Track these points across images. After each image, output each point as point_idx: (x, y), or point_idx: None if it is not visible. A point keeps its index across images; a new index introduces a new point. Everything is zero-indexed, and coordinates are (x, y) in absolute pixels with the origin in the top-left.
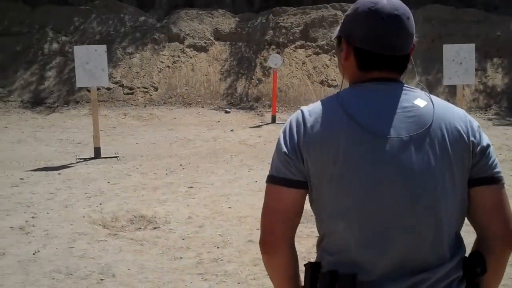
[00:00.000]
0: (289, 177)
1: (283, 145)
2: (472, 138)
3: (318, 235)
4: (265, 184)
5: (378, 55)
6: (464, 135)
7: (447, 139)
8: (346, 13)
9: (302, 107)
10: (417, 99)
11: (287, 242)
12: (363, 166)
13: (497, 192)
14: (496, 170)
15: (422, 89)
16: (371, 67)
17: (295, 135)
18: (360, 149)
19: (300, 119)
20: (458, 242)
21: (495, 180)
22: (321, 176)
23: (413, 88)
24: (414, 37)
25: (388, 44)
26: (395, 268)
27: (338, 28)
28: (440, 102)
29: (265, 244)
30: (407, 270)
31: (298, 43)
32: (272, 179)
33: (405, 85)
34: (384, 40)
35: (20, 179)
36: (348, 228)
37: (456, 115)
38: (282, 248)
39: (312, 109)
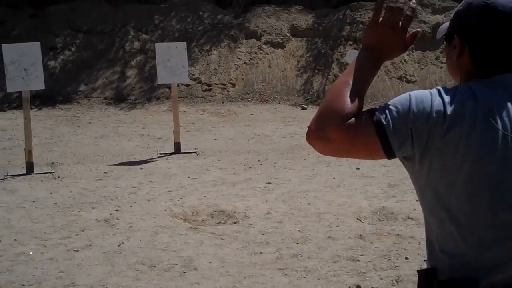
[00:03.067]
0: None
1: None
2: None
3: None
4: (343, 181)
5: (497, 50)
6: None
7: None
8: (456, 9)
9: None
10: None
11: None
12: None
13: None
14: None
15: None
16: (489, 63)
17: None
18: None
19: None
20: None
21: None
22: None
23: None
24: None
25: (508, 38)
26: None
27: (445, 26)
28: None
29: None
30: None
31: None
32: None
33: None
34: (504, 33)
35: (104, 173)
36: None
37: None
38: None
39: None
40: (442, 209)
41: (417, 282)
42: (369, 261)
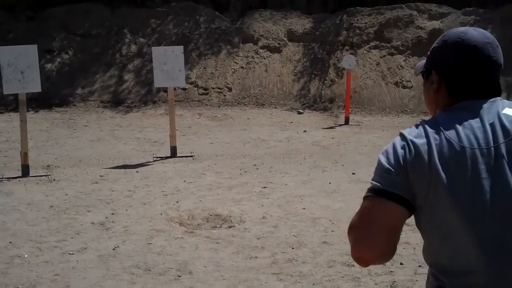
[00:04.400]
0: (389, 190)
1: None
2: None
3: (418, 243)
4: (339, 186)
5: (472, 83)
6: None
7: None
8: (432, 46)
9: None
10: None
11: (387, 255)
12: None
13: None
14: None
15: None
16: (464, 94)
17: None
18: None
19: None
20: None
21: None
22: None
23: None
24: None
25: (482, 71)
26: None
27: (422, 63)
28: None
29: (365, 259)
30: None
31: (372, 43)
32: (374, 191)
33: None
34: (477, 67)
35: (100, 176)
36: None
37: None
38: (381, 260)
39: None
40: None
41: None
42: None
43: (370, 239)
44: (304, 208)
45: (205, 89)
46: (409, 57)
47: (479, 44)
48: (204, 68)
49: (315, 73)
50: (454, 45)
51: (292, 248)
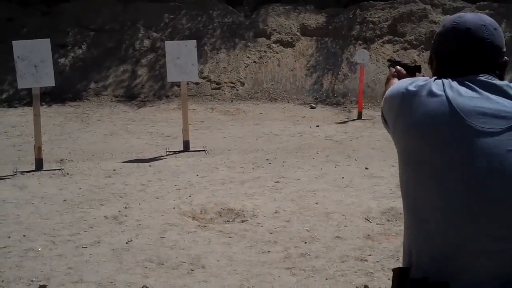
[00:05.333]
0: None
1: None
2: None
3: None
4: (352, 181)
5: (468, 66)
6: None
7: None
8: (436, 33)
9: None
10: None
11: None
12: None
13: None
14: None
15: None
16: (460, 72)
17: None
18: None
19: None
20: None
21: None
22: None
23: (508, 83)
24: (504, 50)
25: (474, 52)
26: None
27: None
28: None
29: None
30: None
31: (385, 38)
32: None
33: (505, 81)
34: (470, 48)
35: (113, 170)
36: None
37: None
38: None
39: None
40: (416, 209)
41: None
42: (377, 261)
43: None
44: (316, 203)
45: (218, 83)
46: (422, 52)
47: (473, 26)
48: (217, 62)
49: (328, 68)
50: (449, 29)
51: (305, 243)
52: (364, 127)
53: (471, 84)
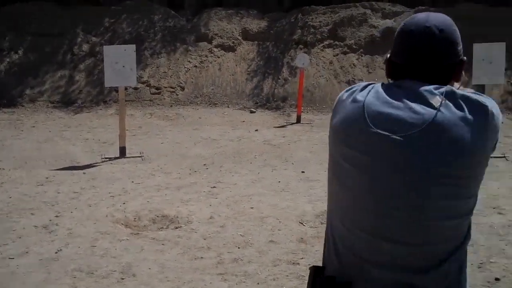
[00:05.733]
0: None
1: None
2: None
3: None
4: (288, 185)
5: (407, 66)
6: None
7: (444, 140)
8: None
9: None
10: (432, 101)
11: None
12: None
13: None
14: None
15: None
16: (401, 76)
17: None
18: (361, 143)
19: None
20: None
21: None
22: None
23: (438, 89)
24: (459, 50)
25: (413, 54)
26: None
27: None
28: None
29: None
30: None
31: (326, 42)
32: None
33: (433, 86)
34: (409, 50)
35: (46, 178)
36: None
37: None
38: None
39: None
40: (329, 211)
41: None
42: (309, 264)
43: None
44: (252, 207)
45: (158, 88)
46: (362, 56)
47: (415, 28)
48: (157, 67)
49: (269, 72)
50: (399, 31)
51: (238, 248)
52: (302, 131)
53: (396, 89)
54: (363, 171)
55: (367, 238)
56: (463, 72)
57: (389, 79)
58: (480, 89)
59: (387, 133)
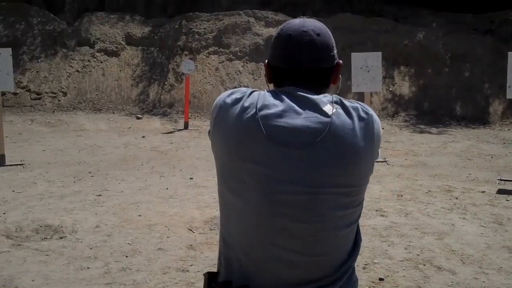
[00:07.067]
0: None
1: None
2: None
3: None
4: (176, 191)
5: (287, 69)
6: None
7: (340, 149)
8: None
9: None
10: (325, 108)
11: None
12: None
13: None
14: None
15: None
16: (283, 81)
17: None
18: (258, 153)
19: (218, 102)
20: None
21: None
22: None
23: (327, 97)
24: (336, 55)
25: (292, 58)
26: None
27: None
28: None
29: None
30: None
31: (211, 49)
32: None
33: (322, 95)
34: (288, 54)
35: None
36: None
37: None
38: None
39: (230, 98)
40: (224, 220)
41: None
42: (198, 271)
43: None
44: (139, 215)
45: (38, 93)
46: (247, 63)
47: (293, 32)
48: (37, 71)
49: (154, 78)
50: (275, 36)
51: (126, 257)
52: (190, 137)
53: (284, 97)
54: (260, 182)
55: (264, 247)
56: (339, 75)
57: (269, 84)
58: (361, 96)
59: (284, 144)
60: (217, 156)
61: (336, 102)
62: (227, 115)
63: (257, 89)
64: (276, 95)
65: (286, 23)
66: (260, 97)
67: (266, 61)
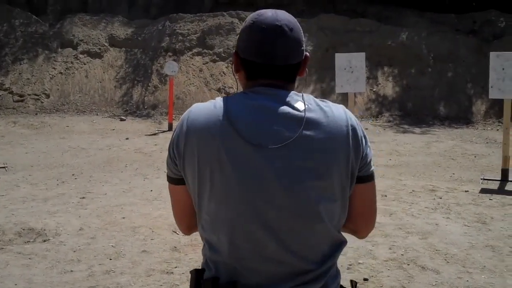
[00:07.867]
0: (173, 176)
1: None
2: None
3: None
4: (160, 193)
5: (261, 64)
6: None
7: (318, 145)
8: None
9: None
10: (296, 105)
11: (195, 227)
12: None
13: None
14: None
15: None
16: (256, 75)
17: (177, 131)
18: (235, 156)
19: (185, 117)
20: None
21: None
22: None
23: (298, 95)
24: (304, 48)
25: (267, 53)
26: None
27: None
28: (317, 108)
29: (182, 231)
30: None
31: (195, 50)
32: (167, 178)
33: (292, 92)
34: (263, 49)
35: None
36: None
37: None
38: (194, 231)
39: (197, 109)
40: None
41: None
42: (182, 273)
43: (176, 216)
44: (123, 218)
45: (21, 95)
46: (231, 64)
47: (267, 26)
48: (20, 73)
49: (138, 79)
50: (247, 27)
51: (110, 259)
52: None
53: (256, 96)
54: (236, 186)
55: (248, 246)
56: (306, 69)
57: (236, 74)
58: (345, 97)
59: (261, 144)
60: (191, 162)
61: (306, 99)
62: (197, 122)
63: (219, 97)
64: (246, 95)
65: (258, 15)
66: (230, 100)
67: (235, 50)
